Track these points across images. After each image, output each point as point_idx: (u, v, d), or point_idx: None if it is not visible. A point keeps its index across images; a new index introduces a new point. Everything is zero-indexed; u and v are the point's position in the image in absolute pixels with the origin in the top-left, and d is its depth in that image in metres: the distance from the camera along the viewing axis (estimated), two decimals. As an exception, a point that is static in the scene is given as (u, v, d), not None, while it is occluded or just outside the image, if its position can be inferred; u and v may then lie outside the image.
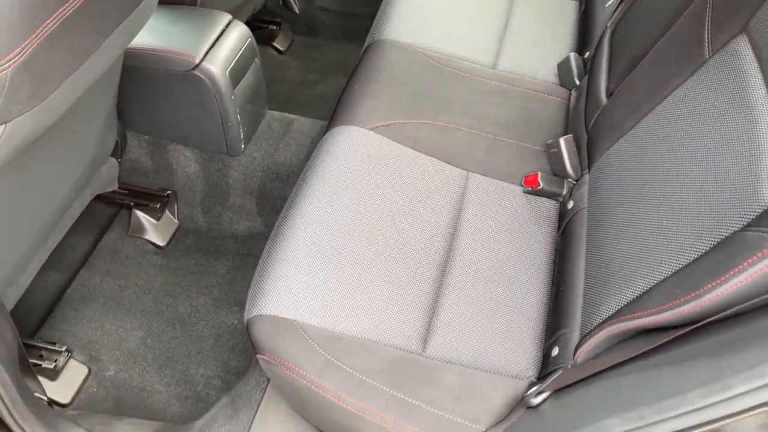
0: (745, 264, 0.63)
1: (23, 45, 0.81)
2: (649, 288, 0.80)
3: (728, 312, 0.65)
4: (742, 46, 0.90)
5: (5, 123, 0.85)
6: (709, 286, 0.67)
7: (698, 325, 0.68)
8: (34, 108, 0.88)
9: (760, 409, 0.58)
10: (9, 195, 1.08)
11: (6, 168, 0.95)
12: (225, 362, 1.40)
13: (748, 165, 0.78)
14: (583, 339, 0.90)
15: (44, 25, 0.83)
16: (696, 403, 0.61)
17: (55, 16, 0.84)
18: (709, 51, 0.96)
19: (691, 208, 0.83)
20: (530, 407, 0.90)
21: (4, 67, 0.79)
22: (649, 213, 0.92)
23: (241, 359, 1.40)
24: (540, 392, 0.90)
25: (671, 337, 0.71)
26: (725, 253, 0.67)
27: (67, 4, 0.85)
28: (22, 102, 0.85)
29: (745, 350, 0.61)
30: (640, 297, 0.81)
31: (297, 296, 1.02)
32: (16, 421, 1.02)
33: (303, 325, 1.00)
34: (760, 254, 0.62)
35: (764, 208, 0.69)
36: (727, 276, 0.65)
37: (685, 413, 0.62)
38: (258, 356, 1.01)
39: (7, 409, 0.99)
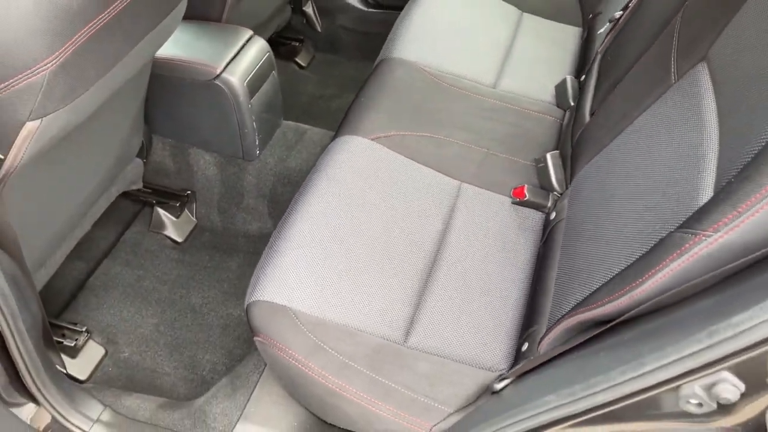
0: (668, 260, 0.72)
1: (61, 50, 0.93)
2: (600, 286, 0.88)
3: (653, 302, 0.74)
4: (702, 73, 0.99)
5: (41, 118, 0.98)
6: (640, 280, 0.76)
7: (628, 316, 0.77)
8: (67, 106, 1.01)
9: (669, 384, 0.67)
10: (42, 184, 1.20)
11: (40, 159, 1.07)
12: (230, 350, 1.51)
13: (692, 178, 0.86)
14: (545, 333, 0.99)
15: (80, 32, 0.95)
16: (617, 379, 0.70)
17: (90, 25, 0.97)
18: (674, 76, 1.05)
19: (642, 217, 0.92)
20: (494, 392, 0.99)
21: (43, 68, 0.92)
22: (610, 221, 1.01)
23: (245, 348, 1.50)
24: (503, 378, 0.98)
25: (607, 327, 0.80)
26: (656, 251, 0.76)
27: (101, 15, 0.98)
28: (56, 100, 0.98)
29: (661, 336, 0.69)
30: (592, 294, 0.89)
31: (292, 286, 1.13)
32: (37, 387, 1.14)
33: (295, 311, 1.10)
34: (679, 251, 0.71)
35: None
36: (654, 271, 0.74)
37: (608, 388, 0.71)
38: (255, 338, 1.12)
39: (30, 374, 1.10)
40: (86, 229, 1.54)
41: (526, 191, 1.33)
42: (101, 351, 1.49)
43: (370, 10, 2.39)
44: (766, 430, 0.63)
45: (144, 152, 1.66)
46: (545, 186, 1.36)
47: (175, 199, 1.75)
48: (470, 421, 0.94)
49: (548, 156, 1.36)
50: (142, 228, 1.75)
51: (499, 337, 1.14)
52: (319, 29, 2.37)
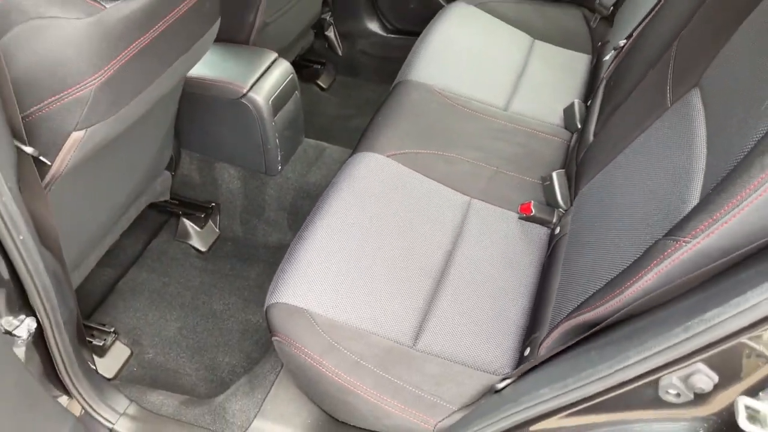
0: (653, 265, 0.79)
1: (106, 68, 1.04)
2: (594, 292, 0.95)
3: (640, 303, 0.80)
4: (695, 97, 1.06)
5: (86, 128, 1.07)
6: (628, 283, 0.83)
7: (617, 318, 0.83)
8: (109, 119, 1.11)
9: (651, 376, 0.73)
10: (80, 191, 1.30)
11: (81, 167, 1.17)
12: (248, 353, 1.59)
13: (681, 193, 0.93)
14: (545, 337, 1.06)
15: (123, 53, 1.06)
16: (604, 372, 0.76)
17: (132, 46, 1.07)
18: (670, 101, 1.13)
19: (636, 228, 0.99)
20: (496, 392, 1.05)
21: (90, 84, 1.02)
22: (608, 233, 1.07)
23: (262, 352, 1.58)
24: (505, 379, 1.05)
25: (599, 328, 0.86)
26: (643, 257, 0.82)
27: (142, 38, 1.08)
28: (100, 113, 1.08)
29: (645, 333, 0.76)
30: (587, 299, 0.96)
31: (309, 290, 1.20)
32: (70, 378, 1.22)
33: (312, 313, 1.18)
34: (662, 256, 0.78)
35: (680, 223, 0.85)
36: (640, 275, 0.81)
37: (596, 380, 0.77)
38: (273, 338, 1.19)
39: (64, 365, 1.19)
40: (116, 236, 1.63)
41: (532, 207, 1.40)
42: (127, 351, 1.57)
43: (389, 35, 2.50)
44: (736, 419, 0.69)
45: (173, 165, 1.77)
46: (551, 203, 1.43)
47: (200, 210, 1.84)
48: (472, 416, 1.00)
49: (554, 174, 1.43)
50: (168, 237, 1.84)
51: (503, 343, 1.21)
52: (340, 53, 2.48)
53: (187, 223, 1.83)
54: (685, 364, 0.70)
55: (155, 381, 1.52)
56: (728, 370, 0.69)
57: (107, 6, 1.02)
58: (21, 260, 0.99)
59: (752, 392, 0.68)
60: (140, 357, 1.59)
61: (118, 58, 1.05)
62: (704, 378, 0.69)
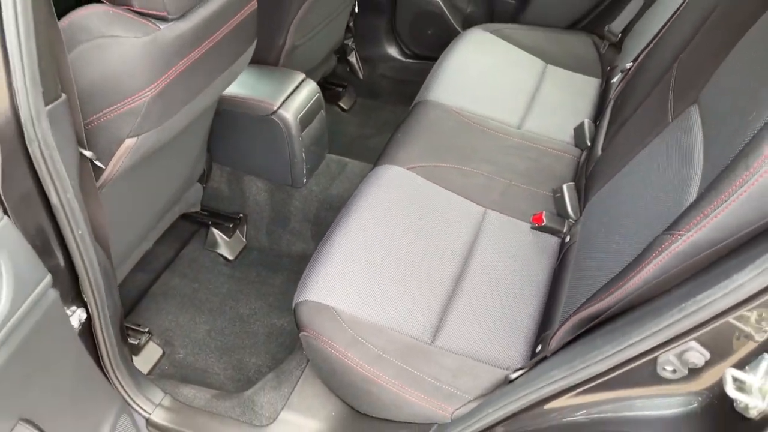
0: (651, 257, 0.88)
1: (158, 81, 1.15)
2: (600, 287, 1.04)
3: (640, 292, 0.89)
4: (694, 113, 1.15)
5: (137, 136, 1.19)
6: (631, 275, 0.91)
7: (620, 307, 0.92)
8: (158, 128, 1.22)
9: (650, 355, 0.81)
10: (124, 196, 1.41)
11: (128, 173, 1.28)
12: (273, 355, 1.68)
13: (679, 199, 1.02)
14: (555, 331, 1.14)
15: (173, 68, 1.17)
16: (608, 352, 0.85)
17: (181, 62, 1.19)
18: (671, 117, 1.22)
19: (638, 232, 1.07)
20: (509, 381, 1.13)
21: (144, 96, 1.14)
22: (613, 237, 1.16)
23: (287, 353, 1.66)
24: (518, 370, 1.13)
25: (604, 317, 0.95)
26: (644, 252, 0.91)
27: (190, 55, 1.20)
28: (151, 122, 1.19)
29: (644, 318, 0.84)
30: (593, 294, 1.04)
31: (335, 289, 1.30)
32: (112, 368, 1.31)
33: (338, 310, 1.27)
34: (660, 249, 0.86)
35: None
36: (641, 267, 0.90)
37: (601, 360, 0.85)
38: (301, 333, 1.28)
39: (108, 356, 1.28)
40: (151, 243, 1.73)
41: (544, 217, 1.49)
42: (159, 351, 1.67)
43: (407, 60, 2.63)
44: (725, 392, 0.76)
45: (204, 178, 1.88)
46: (561, 213, 1.52)
47: (229, 221, 1.94)
48: (486, 403, 1.08)
49: (564, 187, 1.52)
50: (198, 246, 1.94)
51: (516, 341, 1.29)
52: (361, 77, 2.60)
53: (216, 233, 1.93)
54: (680, 342, 0.79)
55: (186, 379, 1.61)
56: (718, 348, 0.77)
57: (161, 27, 1.13)
58: (78, 253, 1.09)
59: (739, 367, 0.76)
60: (171, 357, 1.68)
61: (169, 73, 1.17)
62: (697, 354, 0.78)
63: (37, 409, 0.93)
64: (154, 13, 1.12)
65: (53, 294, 0.93)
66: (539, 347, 1.22)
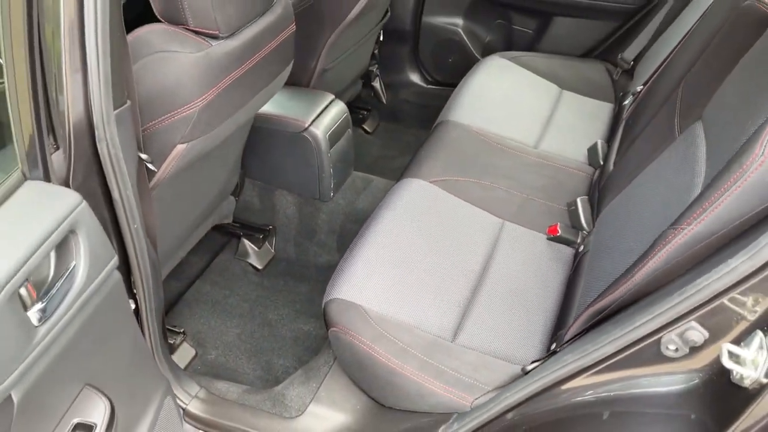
0: (657, 250, 0.97)
1: (208, 93, 1.27)
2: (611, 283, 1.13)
3: (646, 282, 0.98)
4: (698, 128, 1.25)
5: (187, 142, 1.30)
6: (639, 267, 1.00)
7: (630, 297, 1.01)
8: (205, 135, 1.34)
9: (654, 336, 0.90)
10: (170, 201, 1.52)
11: (175, 178, 1.40)
12: (299, 357, 1.77)
13: (684, 202, 1.11)
14: (569, 326, 1.22)
15: (222, 81, 1.30)
16: (616, 334, 0.93)
17: (229, 76, 1.31)
18: (678, 132, 1.32)
19: (645, 233, 1.16)
20: (526, 373, 1.22)
21: (195, 105, 1.26)
22: (623, 241, 1.25)
23: (312, 355, 1.75)
24: (534, 362, 1.21)
25: (613, 308, 1.04)
26: (651, 247, 1.00)
27: (237, 70, 1.32)
28: (200, 130, 1.31)
29: (649, 303, 0.93)
30: (604, 289, 1.13)
31: (362, 289, 1.39)
32: (155, 356, 1.41)
33: (365, 308, 1.36)
34: (664, 242, 0.96)
35: (681, 222, 1.03)
36: (647, 259, 0.99)
37: (610, 341, 0.94)
38: (330, 329, 1.38)
39: (152, 344, 1.38)
40: (186, 251, 1.84)
41: (559, 229, 1.58)
42: (192, 352, 1.76)
43: (429, 86, 2.76)
44: (723, 368, 0.84)
45: (237, 191, 2.00)
46: (575, 225, 1.61)
47: (259, 232, 2.05)
48: (504, 390, 1.16)
49: (579, 200, 1.62)
50: (230, 255, 2.05)
51: (532, 340, 1.37)
52: (384, 101, 2.73)
53: (247, 243, 2.04)
54: (682, 323, 0.87)
55: (218, 377, 1.70)
56: (715, 327, 0.86)
57: (213, 44, 1.26)
58: (133, 246, 1.20)
59: (735, 343, 0.84)
60: (204, 357, 1.77)
61: (218, 86, 1.29)
62: (697, 333, 0.86)
63: (99, 376, 1.03)
64: (207, 31, 1.25)
65: (117, 275, 1.04)
66: (553, 345, 1.31)
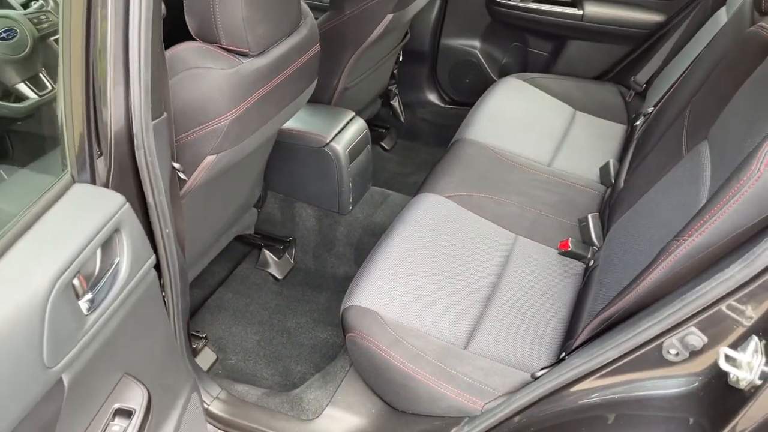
0: (660, 261, 1.02)
1: (238, 107, 1.35)
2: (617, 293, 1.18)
3: (651, 292, 1.03)
4: (704, 147, 1.31)
5: (216, 154, 1.38)
6: (644, 277, 1.06)
7: (633, 308, 1.06)
8: (233, 148, 1.42)
9: (657, 341, 0.95)
10: (197, 210, 1.60)
11: (203, 188, 1.47)
12: (317, 364, 1.82)
13: (688, 216, 1.16)
14: (578, 335, 1.27)
15: (251, 96, 1.37)
16: (621, 339, 0.99)
17: (258, 92, 1.39)
18: (685, 151, 1.37)
19: (652, 246, 1.22)
20: (535, 379, 1.26)
21: (225, 119, 1.33)
22: (631, 254, 1.30)
23: (328, 362, 1.80)
24: (543, 368, 1.26)
25: (619, 317, 1.09)
26: (655, 258, 1.06)
27: (266, 86, 1.40)
28: (229, 142, 1.38)
29: (655, 310, 0.98)
30: (611, 300, 1.18)
31: (379, 296, 1.45)
32: (184, 354, 1.47)
33: (382, 315, 1.42)
34: (667, 253, 1.01)
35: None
36: (651, 269, 1.04)
37: (615, 346, 0.99)
38: (347, 335, 1.43)
39: (180, 344, 1.44)
40: (211, 258, 1.92)
41: (570, 244, 1.64)
42: (213, 356, 1.83)
43: (446, 106, 2.84)
44: (720, 371, 0.89)
45: (260, 203, 2.07)
46: (586, 241, 1.66)
47: (279, 243, 2.12)
48: (513, 394, 1.21)
49: (590, 216, 1.67)
50: (250, 265, 2.12)
51: (542, 350, 1.42)
52: (402, 120, 2.81)
53: (267, 254, 2.11)
54: (682, 328, 0.92)
55: (238, 380, 1.76)
56: (714, 332, 0.91)
57: (243, 61, 1.34)
58: (164, 249, 1.27)
59: (732, 348, 0.89)
60: (224, 362, 1.84)
61: (247, 100, 1.37)
62: (697, 338, 0.91)
63: (136, 366, 1.10)
64: (239, 49, 1.33)
65: (154, 273, 1.11)
66: (562, 354, 1.35)
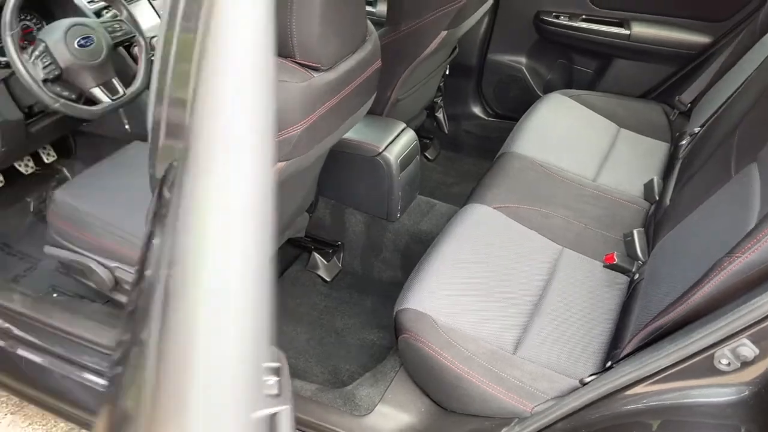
0: (711, 276, 1.08)
1: (308, 118, 1.44)
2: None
3: (702, 306, 1.09)
4: (753, 169, 1.36)
5: (287, 160, 1.47)
6: (694, 291, 1.12)
7: (683, 321, 1.12)
8: (301, 156, 1.51)
9: (709, 351, 1.01)
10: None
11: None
12: (364, 363, 1.90)
13: (738, 236, 1.22)
14: (626, 343, 1.33)
15: (320, 108, 1.46)
16: (671, 349, 1.05)
17: (325, 105, 1.47)
18: (733, 172, 1.43)
19: (700, 262, 1.27)
20: (584, 384, 1.33)
21: (297, 128, 1.42)
22: (679, 270, 1.36)
23: (376, 363, 1.88)
24: (591, 375, 1.32)
25: (670, 328, 1.15)
26: (706, 273, 1.11)
27: (332, 99, 1.49)
28: (299, 150, 1.47)
29: (707, 322, 1.04)
30: (660, 311, 1.24)
31: (432, 301, 1.52)
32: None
33: (434, 318, 1.49)
34: (719, 269, 1.07)
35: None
36: (703, 284, 1.10)
37: (666, 354, 1.05)
38: (400, 336, 1.51)
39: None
40: (264, 260, 2.01)
41: (615, 257, 1.69)
42: (266, 353, 1.91)
43: (489, 119, 2.91)
44: (772, 380, 0.95)
45: (312, 208, 2.16)
46: (631, 254, 1.71)
47: (329, 247, 2.21)
48: (564, 398, 1.28)
49: (635, 231, 1.73)
50: (301, 267, 2.21)
51: (588, 358, 1.48)
52: (446, 131, 2.89)
53: (317, 257, 2.20)
54: (735, 339, 0.98)
55: (291, 377, 1.85)
56: (766, 345, 0.96)
57: (315, 75, 1.43)
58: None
59: (783, 360, 0.95)
60: (276, 358, 1.92)
61: (317, 112, 1.46)
62: (748, 349, 0.97)
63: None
64: (311, 64, 1.42)
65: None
66: (609, 362, 1.41)
